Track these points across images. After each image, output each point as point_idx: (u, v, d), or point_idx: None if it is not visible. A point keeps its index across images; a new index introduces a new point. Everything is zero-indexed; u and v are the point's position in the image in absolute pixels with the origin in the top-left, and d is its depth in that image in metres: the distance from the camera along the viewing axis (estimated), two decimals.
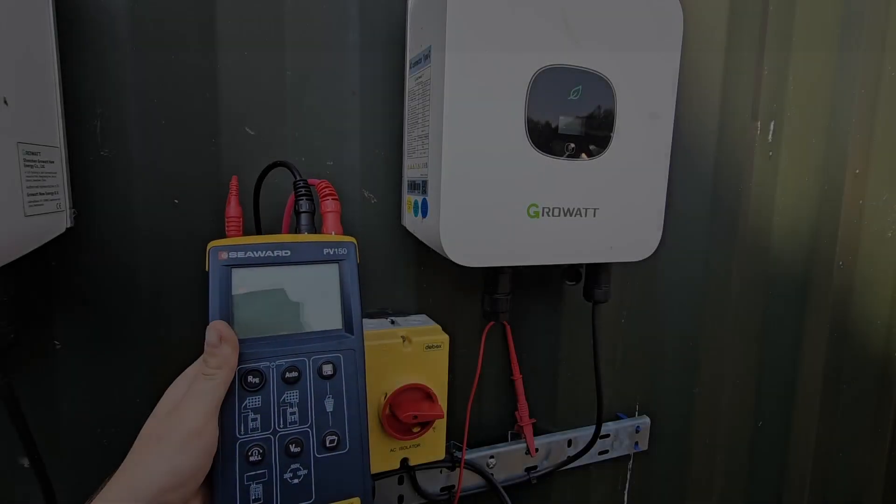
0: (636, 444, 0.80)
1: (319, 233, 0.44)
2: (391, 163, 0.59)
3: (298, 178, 0.45)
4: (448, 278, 0.64)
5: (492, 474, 0.68)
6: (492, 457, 0.69)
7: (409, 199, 0.57)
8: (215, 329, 0.36)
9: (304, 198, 0.44)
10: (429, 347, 0.56)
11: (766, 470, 0.99)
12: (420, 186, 0.53)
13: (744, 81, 0.80)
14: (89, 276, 0.50)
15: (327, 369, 0.38)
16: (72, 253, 0.49)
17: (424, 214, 0.52)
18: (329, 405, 0.38)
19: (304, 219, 0.43)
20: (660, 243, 0.59)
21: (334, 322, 0.40)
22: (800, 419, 0.99)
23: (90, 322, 0.50)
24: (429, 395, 0.56)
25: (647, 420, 0.81)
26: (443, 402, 0.57)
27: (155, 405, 0.35)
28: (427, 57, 0.50)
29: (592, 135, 0.53)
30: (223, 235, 0.53)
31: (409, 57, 0.56)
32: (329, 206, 0.44)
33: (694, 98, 0.76)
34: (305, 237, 0.41)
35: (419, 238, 0.56)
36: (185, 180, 0.52)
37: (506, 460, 0.70)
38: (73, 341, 0.50)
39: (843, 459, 1.08)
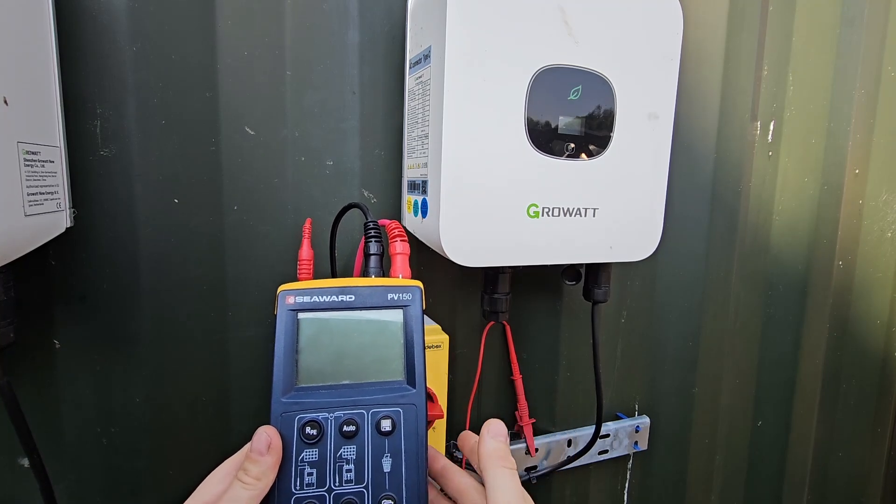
0: (636, 444, 0.80)
1: (388, 275, 0.43)
2: (391, 163, 0.59)
3: (369, 219, 0.44)
4: (448, 278, 0.64)
5: None
6: None
7: (409, 199, 0.57)
8: (266, 436, 0.33)
9: (373, 240, 0.43)
10: (429, 347, 0.56)
11: (765, 470, 0.99)
12: (420, 186, 0.53)
13: (743, 81, 0.80)
14: (89, 276, 0.50)
15: (386, 425, 0.36)
16: (72, 253, 0.49)
17: (424, 214, 0.52)
18: (386, 465, 0.36)
19: (372, 261, 0.43)
20: (660, 243, 0.59)
21: (396, 373, 0.38)
22: (799, 419, 0.99)
23: (90, 322, 0.50)
24: (428, 395, 0.55)
25: (646, 420, 0.81)
26: (443, 402, 0.57)
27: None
28: (427, 57, 0.50)
29: (592, 135, 0.53)
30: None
31: (409, 57, 0.56)
32: (398, 248, 0.43)
33: (694, 98, 0.76)
34: (371, 281, 0.40)
35: (419, 238, 0.56)
36: (185, 180, 0.52)
37: None
38: (73, 341, 0.50)
39: (842, 459, 1.08)
